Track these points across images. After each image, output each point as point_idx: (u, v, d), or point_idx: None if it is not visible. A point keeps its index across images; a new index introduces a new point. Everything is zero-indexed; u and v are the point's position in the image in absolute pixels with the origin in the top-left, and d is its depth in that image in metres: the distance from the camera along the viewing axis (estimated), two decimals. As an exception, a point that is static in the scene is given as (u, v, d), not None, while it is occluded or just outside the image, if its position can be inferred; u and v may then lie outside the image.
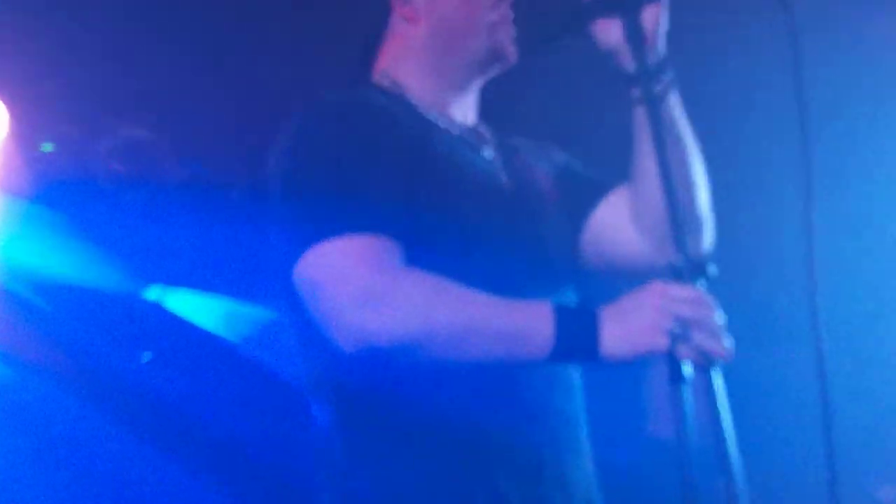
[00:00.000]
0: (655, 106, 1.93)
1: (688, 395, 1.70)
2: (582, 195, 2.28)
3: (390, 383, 1.92)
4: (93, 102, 3.98)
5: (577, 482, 2.02)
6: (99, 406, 4.39)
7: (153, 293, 4.56)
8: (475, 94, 2.25)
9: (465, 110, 2.23)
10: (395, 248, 1.87)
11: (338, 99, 2.08)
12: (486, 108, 2.29)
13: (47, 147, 3.99)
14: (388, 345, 1.80)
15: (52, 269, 4.19)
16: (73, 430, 4.31)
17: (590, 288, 2.18)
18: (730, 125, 3.78)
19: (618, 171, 2.24)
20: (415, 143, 2.02)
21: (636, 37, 1.95)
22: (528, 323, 1.82)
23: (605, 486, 2.11)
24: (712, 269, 1.80)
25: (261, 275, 4.35)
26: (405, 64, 2.19)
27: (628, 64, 2.00)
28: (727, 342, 1.76)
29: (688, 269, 1.77)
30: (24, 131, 3.89)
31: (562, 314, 1.83)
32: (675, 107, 2.10)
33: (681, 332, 1.75)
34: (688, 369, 1.73)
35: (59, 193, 4.04)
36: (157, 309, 4.56)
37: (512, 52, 2.20)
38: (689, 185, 2.13)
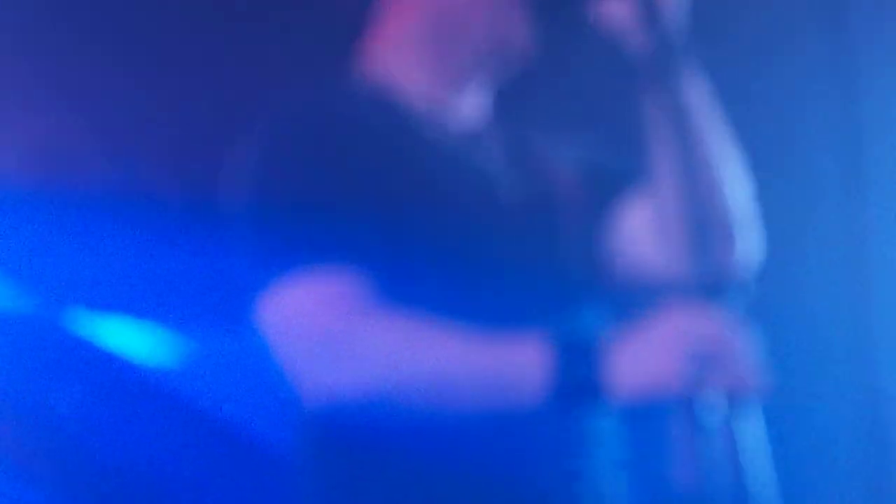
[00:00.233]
0: (667, 92, 1.94)
1: (713, 441, 1.67)
2: (603, 193, 2.28)
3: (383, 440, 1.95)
4: (3, 89, 3.92)
5: None
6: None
7: (75, 320, 4.52)
8: (482, 91, 2.27)
9: (470, 107, 2.25)
10: (363, 285, 1.89)
11: (302, 110, 2.13)
12: (496, 100, 2.32)
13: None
14: (354, 399, 1.83)
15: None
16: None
17: (621, 304, 2.17)
18: (776, 127, 3.80)
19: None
20: (394, 154, 2.04)
21: (647, 9, 1.96)
22: (516, 367, 1.81)
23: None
24: (745, 287, 1.77)
25: (205, 298, 4.35)
26: (398, 57, 2.23)
27: (638, 45, 2.02)
28: (758, 377, 1.74)
29: (712, 288, 1.74)
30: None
31: (557, 354, 1.81)
32: (694, 92, 2.07)
33: (701, 368, 1.73)
34: (713, 409, 1.71)
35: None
36: (80, 339, 4.53)
37: (525, 45, 2.23)
38: (715, 184, 2.09)
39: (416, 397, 1.82)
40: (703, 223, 2.01)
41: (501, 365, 1.81)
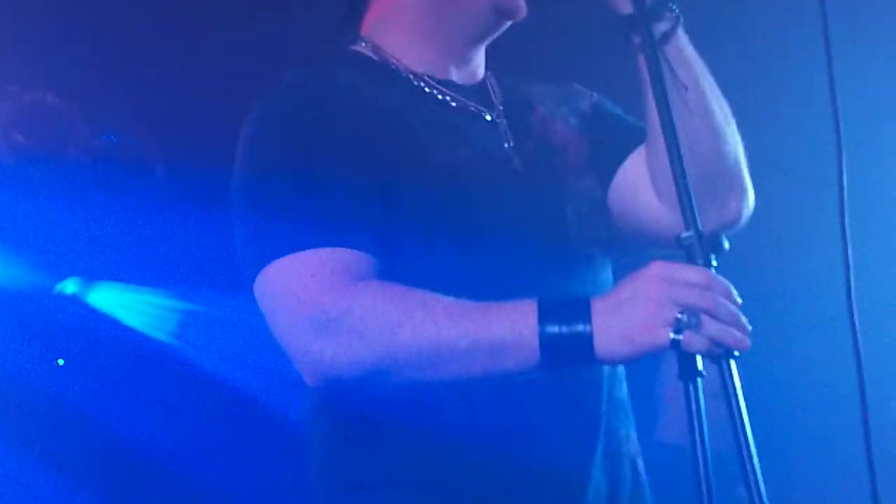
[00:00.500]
0: (657, 50, 1.89)
1: (701, 392, 1.67)
2: (610, 146, 2.23)
3: (393, 412, 1.93)
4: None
5: (618, 493, 2.02)
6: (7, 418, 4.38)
7: (66, 287, 4.52)
8: (481, 53, 2.21)
9: (470, 70, 2.19)
10: (357, 259, 1.87)
11: (298, 84, 2.04)
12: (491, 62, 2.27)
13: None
14: (349, 373, 1.80)
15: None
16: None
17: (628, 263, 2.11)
18: (760, 97, 3.81)
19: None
20: (391, 127, 2.00)
21: None
22: (507, 331, 1.78)
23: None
24: (725, 244, 1.74)
25: (193, 264, 4.33)
26: (392, 28, 2.15)
27: (625, 5, 1.98)
28: (745, 330, 1.72)
29: (699, 245, 1.72)
30: None
31: (547, 314, 1.77)
32: (684, 49, 2.06)
33: (689, 321, 1.70)
34: (700, 363, 1.69)
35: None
36: (73, 305, 4.53)
37: (520, 4, 2.16)
38: (706, 141, 2.08)
39: (414, 367, 1.79)
40: (710, 176, 2.06)
41: (495, 327, 1.77)
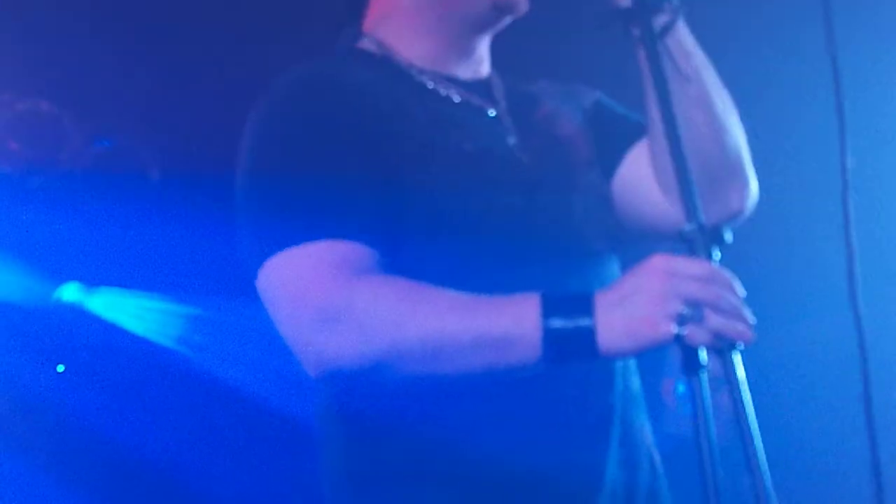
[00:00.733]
0: (658, 42, 1.88)
1: (705, 385, 1.67)
2: (610, 144, 2.24)
3: (404, 422, 1.93)
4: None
5: (631, 494, 2.01)
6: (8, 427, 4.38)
7: (65, 293, 4.52)
8: (484, 49, 2.21)
9: (473, 66, 2.19)
10: (360, 252, 1.86)
11: (301, 78, 2.04)
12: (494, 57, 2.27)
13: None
14: (352, 367, 1.80)
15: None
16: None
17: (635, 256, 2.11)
18: (763, 89, 3.82)
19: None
20: (396, 120, 1.99)
21: None
22: (511, 325, 1.77)
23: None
24: (727, 236, 1.73)
25: (191, 268, 4.33)
26: (394, 25, 2.16)
27: None
28: (748, 322, 1.72)
29: (701, 238, 1.71)
30: None
31: (550, 308, 1.76)
32: (685, 40, 2.06)
33: (692, 314, 1.70)
34: (704, 356, 1.69)
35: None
36: (72, 311, 4.53)
37: (520, 1, 2.16)
38: (708, 133, 2.08)
39: (417, 361, 1.79)
40: (712, 168, 2.06)
41: (497, 322, 1.77)
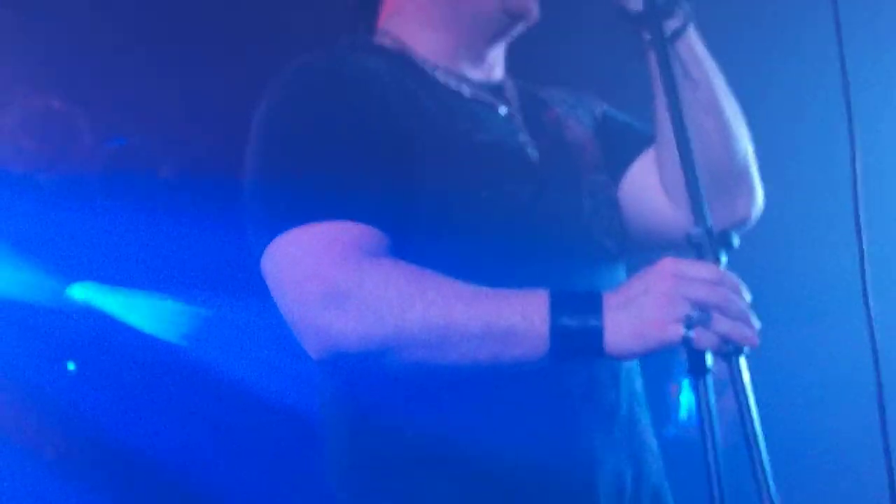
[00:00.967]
0: (669, 47, 1.89)
1: (711, 388, 1.68)
2: (618, 150, 2.25)
3: (408, 421, 1.92)
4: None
5: (639, 495, 2.01)
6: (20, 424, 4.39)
7: (76, 292, 4.53)
8: (497, 54, 2.22)
9: (485, 70, 2.21)
10: (369, 234, 1.86)
11: (314, 63, 2.04)
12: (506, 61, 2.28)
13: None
14: (357, 348, 1.79)
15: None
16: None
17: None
18: (772, 91, 3.83)
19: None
20: (409, 107, 2.00)
21: None
22: (519, 318, 1.77)
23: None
24: (735, 241, 1.74)
25: (202, 267, 4.34)
26: (407, 21, 2.19)
27: (635, 2, 1.98)
28: (754, 327, 1.73)
29: (709, 242, 1.72)
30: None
31: (559, 305, 1.77)
32: (696, 46, 2.07)
33: (699, 317, 1.71)
34: (710, 359, 1.70)
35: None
36: (83, 310, 4.54)
37: (530, 7, 2.17)
38: (717, 138, 2.09)
39: (422, 347, 1.79)
40: (720, 174, 2.07)
41: (505, 314, 1.77)
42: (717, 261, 1.71)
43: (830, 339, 4.19)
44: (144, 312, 4.62)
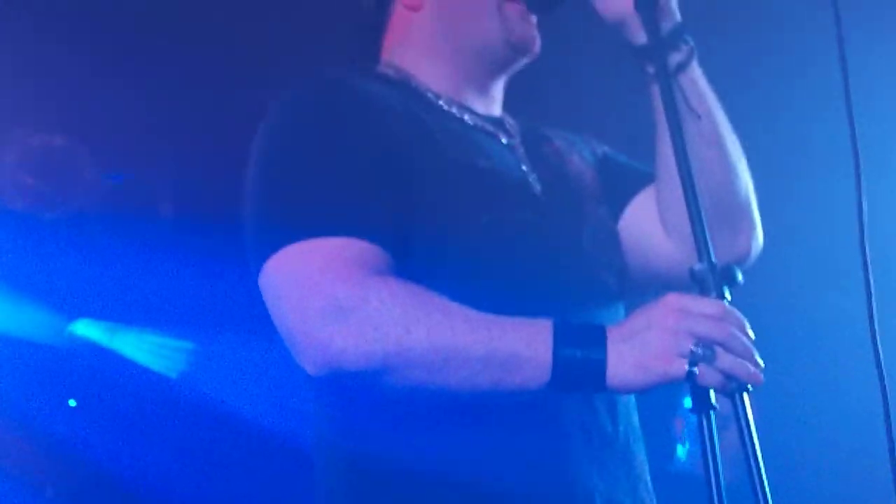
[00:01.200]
0: (672, 81, 1.89)
1: (714, 423, 1.67)
2: (618, 187, 2.25)
3: (403, 450, 1.90)
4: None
5: None
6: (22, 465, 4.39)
7: (77, 329, 4.53)
8: (498, 89, 2.23)
9: (487, 103, 2.20)
10: (373, 252, 1.84)
11: (322, 78, 2.04)
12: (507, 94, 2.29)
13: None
14: (356, 366, 1.75)
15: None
16: None
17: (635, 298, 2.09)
18: (775, 121, 3.84)
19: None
20: (411, 128, 1.99)
21: (646, 1, 1.92)
22: (523, 346, 1.76)
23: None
24: (739, 277, 1.74)
25: (203, 304, 4.34)
26: (410, 52, 2.18)
27: (639, 35, 1.99)
28: (757, 363, 1.73)
29: (713, 277, 1.72)
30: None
31: (563, 336, 1.76)
32: (698, 80, 2.07)
33: (703, 353, 1.71)
34: (713, 395, 1.69)
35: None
36: (84, 347, 4.54)
37: (533, 41, 2.17)
38: (719, 172, 2.09)
39: (422, 369, 1.77)
40: (722, 208, 2.06)
41: (509, 341, 1.76)
42: (720, 296, 1.71)
43: (835, 353, 4.17)
44: (145, 349, 4.61)
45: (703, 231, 1.71)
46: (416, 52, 2.19)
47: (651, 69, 1.99)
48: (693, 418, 1.69)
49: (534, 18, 2.19)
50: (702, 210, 1.72)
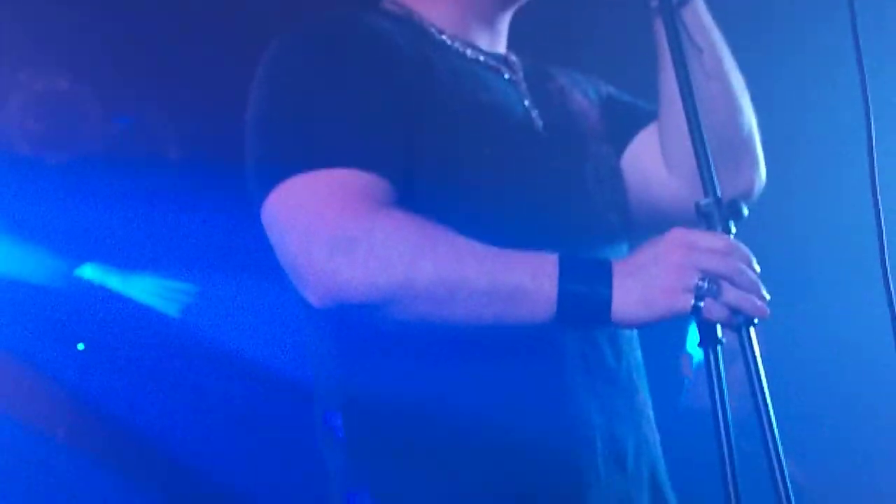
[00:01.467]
0: (676, 13, 1.89)
1: (721, 358, 1.68)
2: (621, 125, 2.25)
3: (404, 385, 1.91)
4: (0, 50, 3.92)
5: (639, 461, 2.01)
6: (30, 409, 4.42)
7: (84, 273, 4.55)
8: (503, 24, 2.22)
9: (492, 39, 2.20)
10: (379, 185, 1.84)
11: (324, 16, 2.03)
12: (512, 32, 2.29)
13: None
14: (362, 297, 1.76)
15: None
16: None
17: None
18: (787, 75, 3.84)
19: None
20: (415, 63, 1.99)
21: None
22: (528, 279, 1.76)
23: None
24: (744, 210, 1.75)
25: (212, 248, 4.36)
26: None
27: None
28: (763, 297, 1.74)
29: (718, 213, 1.73)
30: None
31: (568, 270, 1.77)
32: (702, 14, 2.08)
33: (709, 287, 1.72)
34: (720, 330, 1.71)
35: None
36: (91, 291, 4.56)
37: None
38: (722, 107, 2.10)
39: (428, 300, 1.77)
40: (725, 144, 2.06)
41: (515, 274, 1.77)
42: (726, 230, 1.72)
43: (844, 310, 4.19)
44: (152, 292, 4.63)
45: (708, 165, 1.72)
46: None
47: (654, 2, 2.00)
48: (699, 353, 1.71)
49: None
50: (707, 143, 1.73)
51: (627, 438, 2.01)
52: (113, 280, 4.58)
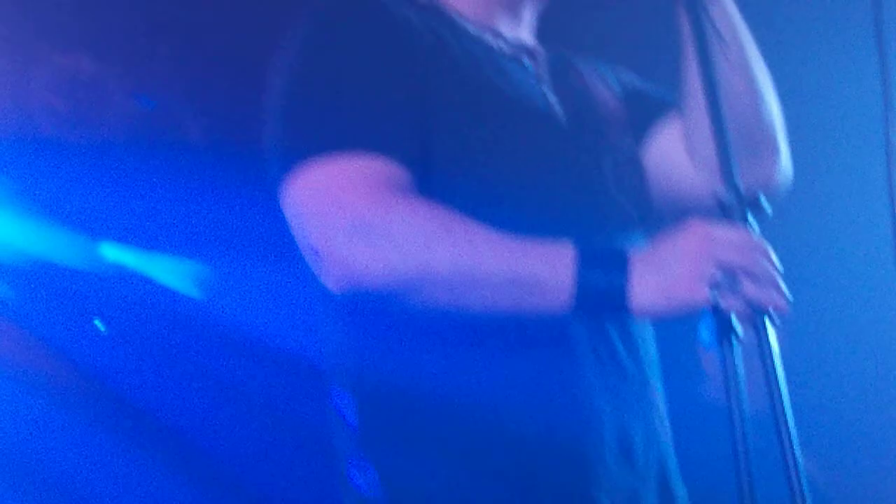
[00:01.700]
0: (700, 3, 1.89)
1: (738, 351, 1.68)
2: (643, 116, 2.26)
3: (417, 373, 1.92)
4: (23, 27, 3.92)
5: (647, 455, 2.02)
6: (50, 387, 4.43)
7: (107, 252, 4.56)
8: (530, 14, 2.22)
9: (516, 29, 2.20)
10: (398, 172, 1.86)
11: (345, 5, 2.04)
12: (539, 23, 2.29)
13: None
14: (380, 284, 1.78)
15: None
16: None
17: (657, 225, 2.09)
18: (807, 70, 3.83)
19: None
20: (435, 51, 2.00)
21: None
22: (545, 268, 1.78)
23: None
24: (766, 206, 1.75)
25: (231, 230, 4.36)
26: None
27: None
28: (783, 292, 1.74)
29: (738, 205, 1.72)
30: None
31: (585, 260, 1.78)
32: (727, 5, 2.08)
33: (727, 280, 1.72)
34: (737, 323, 1.71)
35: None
36: (113, 271, 4.57)
37: None
38: (746, 99, 2.10)
39: (445, 289, 1.78)
40: (748, 136, 2.07)
41: (532, 264, 1.77)
42: (745, 222, 1.72)
43: (862, 304, 4.17)
44: (172, 273, 4.64)
45: (728, 157, 1.72)
46: None
47: None
48: (716, 347, 1.71)
49: None
50: (729, 135, 1.73)
51: (636, 433, 2.01)
52: (133, 260, 4.59)
